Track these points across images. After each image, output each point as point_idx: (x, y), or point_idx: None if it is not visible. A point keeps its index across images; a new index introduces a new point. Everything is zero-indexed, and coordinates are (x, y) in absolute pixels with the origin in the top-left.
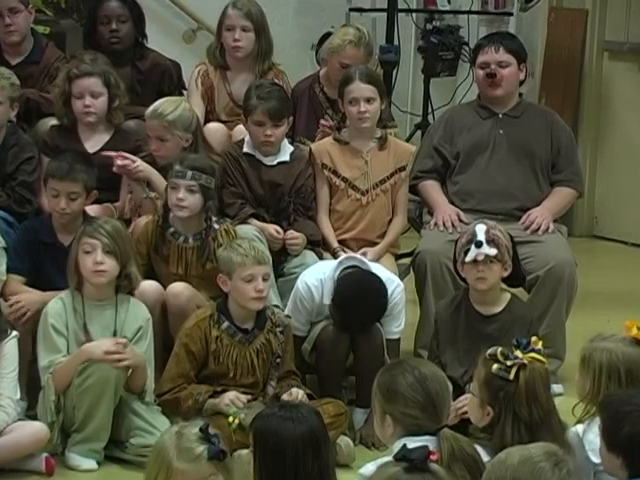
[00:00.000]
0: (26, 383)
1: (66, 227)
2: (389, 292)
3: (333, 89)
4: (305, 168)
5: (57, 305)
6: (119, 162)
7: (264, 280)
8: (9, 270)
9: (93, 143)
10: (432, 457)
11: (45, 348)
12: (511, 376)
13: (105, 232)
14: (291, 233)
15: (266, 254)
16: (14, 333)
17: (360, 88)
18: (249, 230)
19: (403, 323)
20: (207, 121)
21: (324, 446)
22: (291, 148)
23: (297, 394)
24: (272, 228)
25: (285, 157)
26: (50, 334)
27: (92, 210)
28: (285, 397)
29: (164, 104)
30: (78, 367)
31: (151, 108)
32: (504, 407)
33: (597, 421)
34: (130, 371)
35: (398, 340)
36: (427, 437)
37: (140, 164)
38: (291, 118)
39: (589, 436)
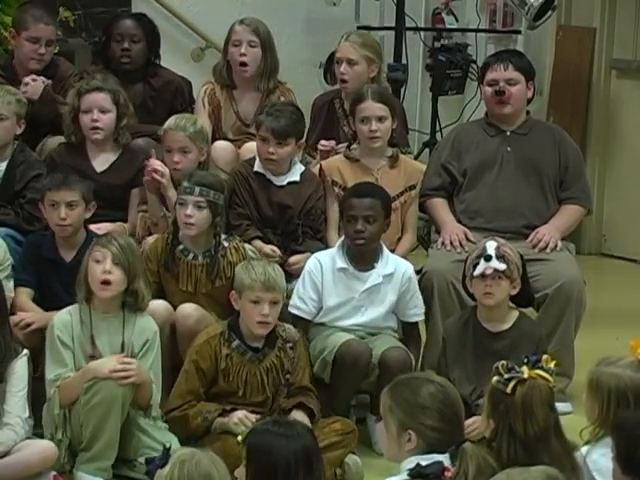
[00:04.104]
0: (31, 400)
1: (68, 242)
2: (402, 272)
3: None
4: (316, 189)
5: (64, 317)
6: (154, 166)
7: (273, 304)
8: (17, 283)
9: (101, 162)
10: (447, 474)
11: (52, 361)
12: (508, 389)
13: (117, 244)
14: (293, 260)
15: (277, 281)
16: (24, 352)
17: (372, 107)
18: (249, 251)
19: (420, 306)
20: (214, 140)
21: (316, 464)
22: (302, 168)
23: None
24: (268, 248)
25: (295, 177)
26: (57, 346)
27: (105, 228)
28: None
29: (184, 118)
30: (84, 385)
31: (172, 122)
32: (502, 421)
33: (604, 442)
34: (135, 388)
35: (416, 323)
36: (434, 455)
37: (167, 174)
38: (302, 141)
39: (593, 456)
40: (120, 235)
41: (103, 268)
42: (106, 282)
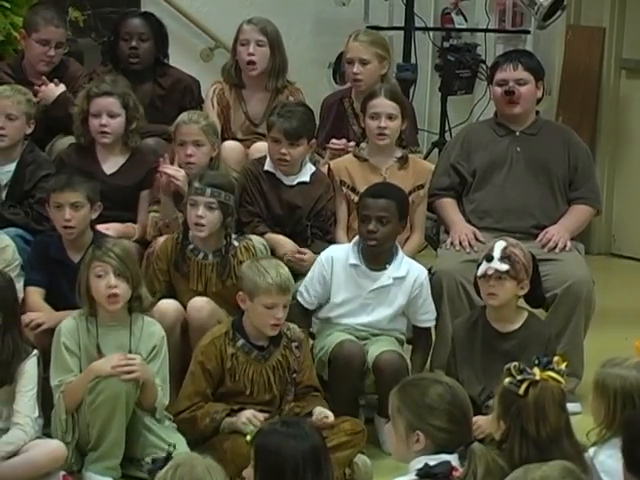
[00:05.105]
0: (41, 400)
1: (75, 243)
2: (414, 277)
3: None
4: (326, 191)
5: (70, 324)
6: (168, 171)
7: (284, 307)
8: (27, 283)
9: (110, 164)
10: (455, 474)
11: (56, 367)
12: (521, 391)
13: (115, 255)
14: (307, 257)
15: (291, 281)
16: (34, 352)
17: (383, 104)
18: (258, 243)
19: (432, 312)
20: (223, 140)
21: (324, 464)
22: (312, 169)
23: (324, 416)
24: (292, 245)
25: (305, 178)
26: (62, 353)
27: (114, 229)
28: (316, 418)
29: (195, 113)
30: (88, 385)
31: (184, 116)
32: (514, 422)
33: (611, 443)
34: (140, 385)
35: (427, 329)
36: (444, 455)
37: (183, 176)
38: (313, 141)
39: (600, 457)
40: (115, 243)
41: (107, 283)
42: (113, 296)
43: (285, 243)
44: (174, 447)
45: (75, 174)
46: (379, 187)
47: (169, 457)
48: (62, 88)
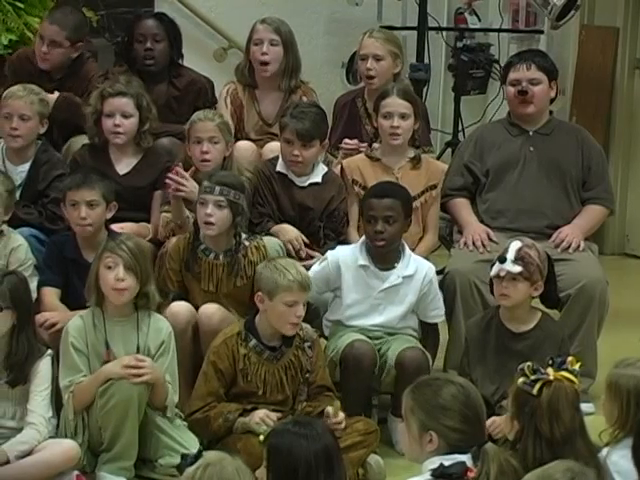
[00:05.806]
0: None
1: (89, 243)
2: (423, 273)
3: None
4: (338, 192)
5: (77, 323)
6: (175, 178)
7: (303, 305)
8: (44, 283)
9: (123, 165)
10: (469, 474)
11: (65, 367)
12: (534, 391)
13: (127, 249)
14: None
15: (310, 279)
16: (48, 351)
17: (396, 103)
18: (274, 244)
19: (441, 307)
20: (236, 140)
21: (337, 464)
22: (324, 169)
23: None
24: (297, 233)
25: (317, 178)
26: (70, 353)
27: (128, 228)
28: (331, 419)
29: (210, 112)
30: (99, 389)
31: (200, 114)
32: (527, 422)
33: (624, 443)
34: (150, 387)
35: (436, 324)
36: (456, 456)
37: (191, 184)
38: (326, 141)
39: (613, 457)
40: (129, 237)
41: (116, 275)
42: (120, 289)
43: (289, 229)
44: (205, 445)
45: (91, 172)
46: (382, 187)
47: (199, 454)
48: (55, 93)
